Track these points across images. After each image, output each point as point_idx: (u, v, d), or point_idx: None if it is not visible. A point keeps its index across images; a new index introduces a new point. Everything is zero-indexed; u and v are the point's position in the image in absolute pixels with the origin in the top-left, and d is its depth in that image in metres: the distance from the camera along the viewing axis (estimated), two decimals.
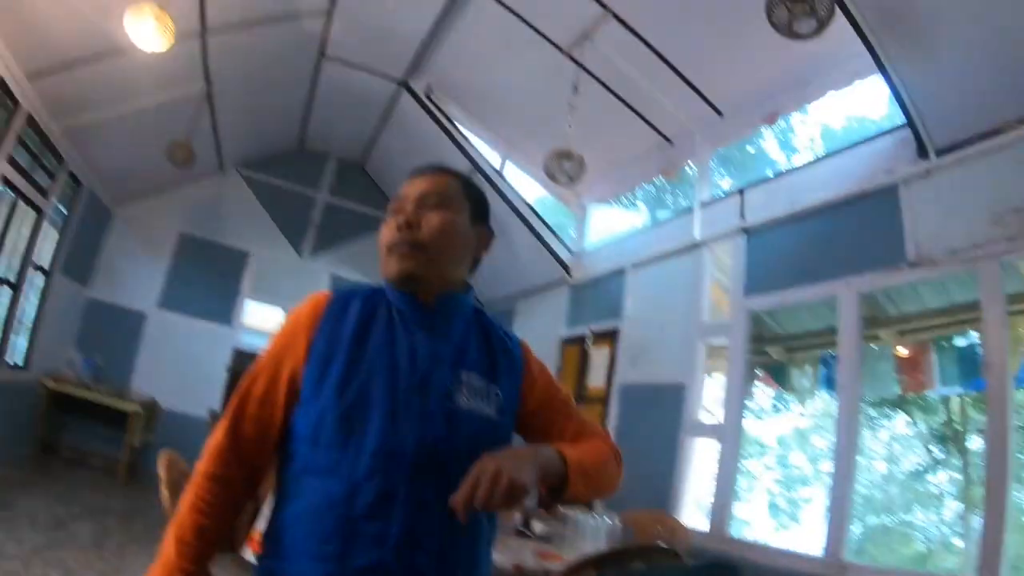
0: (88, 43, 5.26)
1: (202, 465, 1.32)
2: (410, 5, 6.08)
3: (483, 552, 1.38)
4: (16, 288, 6.30)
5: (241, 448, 1.33)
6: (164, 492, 2.31)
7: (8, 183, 5.63)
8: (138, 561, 4.65)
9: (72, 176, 6.97)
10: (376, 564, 1.20)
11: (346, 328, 1.36)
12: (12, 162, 5.51)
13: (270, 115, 8.52)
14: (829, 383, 4.89)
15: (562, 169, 5.25)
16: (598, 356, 6.65)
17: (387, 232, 1.41)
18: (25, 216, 6.22)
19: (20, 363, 6.74)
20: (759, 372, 5.88)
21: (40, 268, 6.83)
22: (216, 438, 1.33)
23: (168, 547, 1.27)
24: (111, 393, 7.45)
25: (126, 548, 4.92)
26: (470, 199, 1.49)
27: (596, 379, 6.59)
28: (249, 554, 2.23)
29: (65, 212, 7.17)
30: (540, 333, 8.04)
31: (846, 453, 3.96)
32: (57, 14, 4.80)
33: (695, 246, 5.68)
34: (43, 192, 6.35)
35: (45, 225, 6.58)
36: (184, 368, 8.47)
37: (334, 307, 1.39)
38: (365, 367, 1.31)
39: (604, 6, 5.27)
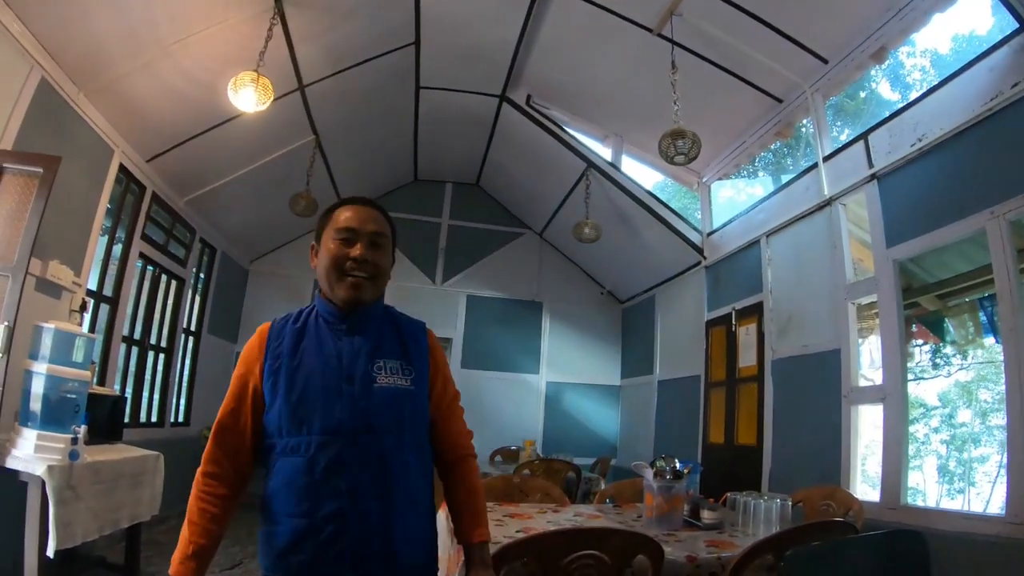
0: (196, 119, 5.69)
1: (200, 467, 1.75)
2: (493, 20, 6.14)
3: (421, 491, 1.81)
4: (169, 353, 6.83)
5: (225, 450, 1.75)
6: None
7: (148, 259, 6.12)
8: None
9: (204, 242, 7.52)
10: (336, 511, 1.63)
11: (284, 346, 1.79)
12: (147, 239, 6.01)
13: (381, 153, 8.84)
14: (991, 327, 4.49)
15: (677, 149, 5.10)
16: (745, 334, 6.47)
17: (339, 256, 1.81)
18: (167, 286, 6.74)
19: (181, 420, 7.31)
20: (914, 327, 5.51)
21: (188, 331, 7.38)
22: (208, 446, 1.76)
23: (183, 532, 1.68)
24: None
25: None
26: (393, 235, 1.96)
27: (747, 358, 6.40)
28: None
29: (203, 277, 7.73)
30: (683, 320, 7.96)
31: (1019, 401, 3.56)
32: (163, 100, 5.22)
33: (826, 203, 5.41)
34: (180, 262, 6.88)
35: (187, 291, 7.12)
36: None
37: (273, 332, 1.83)
38: (303, 372, 1.74)
39: None
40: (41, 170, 3.74)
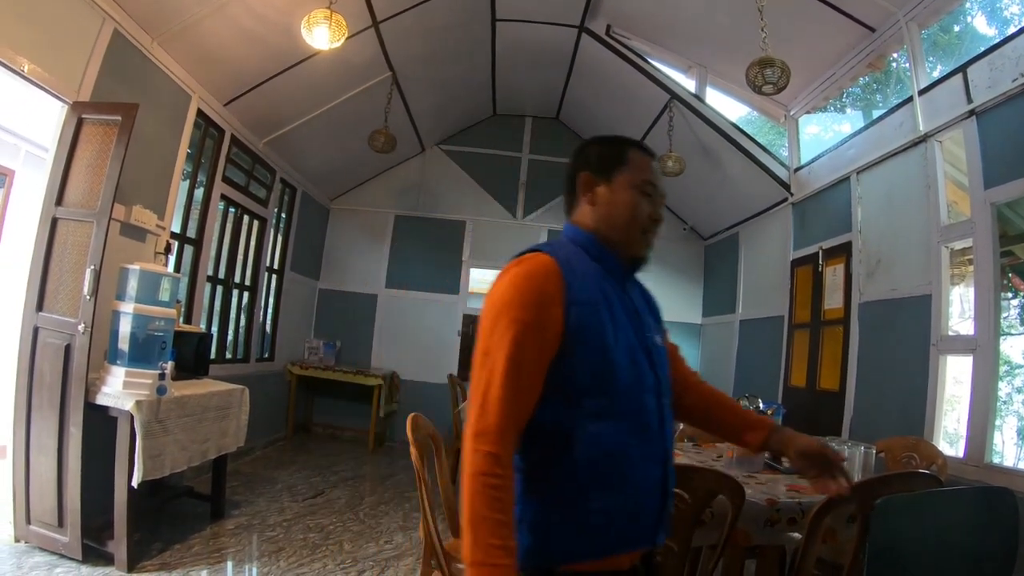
0: (271, 61, 5.68)
1: (488, 448, 1.27)
2: None
3: None
4: (253, 291, 7.10)
5: (519, 418, 1.34)
6: (413, 451, 2.47)
7: (229, 200, 6.31)
8: (390, 520, 5.16)
9: (284, 183, 7.68)
10: (661, 476, 1.45)
11: (590, 291, 1.44)
12: (228, 181, 6.17)
13: (458, 87, 8.68)
14: None
15: (766, 78, 4.82)
16: (832, 275, 6.18)
17: (646, 212, 1.58)
18: (250, 226, 6.94)
19: (266, 355, 7.61)
20: (1006, 280, 5.17)
21: (271, 269, 7.64)
22: (492, 419, 1.29)
23: (485, 535, 1.23)
24: (353, 371, 8.20)
25: (378, 509, 5.45)
26: None
27: (833, 300, 6.11)
28: None
29: (285, 216, 7.93)
30: (767, 258, 7.67)
31: None
32: (236, 44, 5.22)
33: (921, 139, 5.00)
34: (262, 202, 7.05)
35: (269, 231, 7.32)
36: (418, 339, 9.12)
37: (566, 272, 1.42)
38: (622, 324, 1.46)
39: None
40: (119, 118, 3.84)
